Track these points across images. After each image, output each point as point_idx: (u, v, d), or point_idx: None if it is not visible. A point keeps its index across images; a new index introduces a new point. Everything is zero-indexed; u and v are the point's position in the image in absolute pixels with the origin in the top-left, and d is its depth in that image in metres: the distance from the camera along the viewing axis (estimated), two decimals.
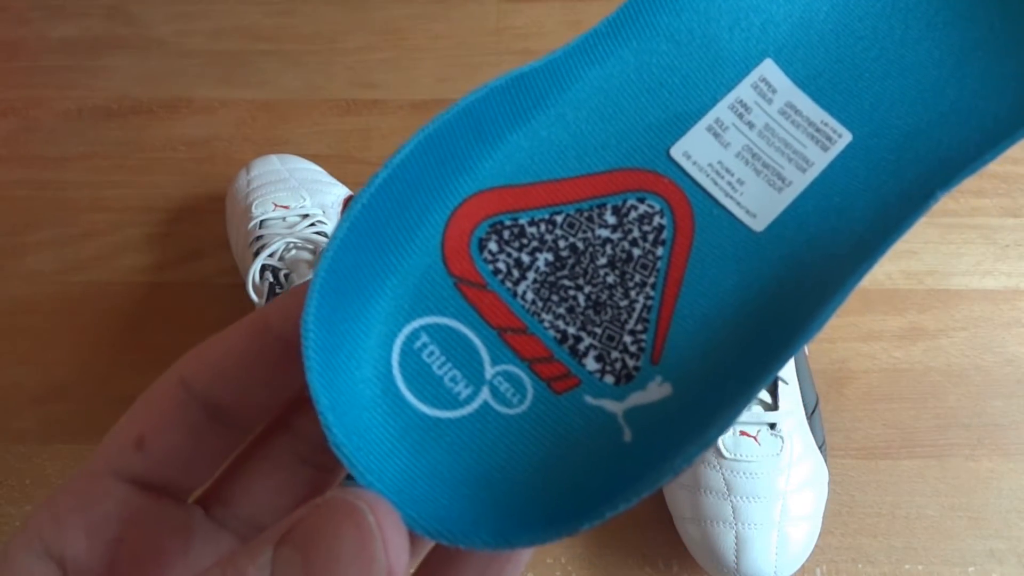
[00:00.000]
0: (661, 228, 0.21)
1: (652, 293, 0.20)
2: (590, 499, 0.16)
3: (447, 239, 0.19)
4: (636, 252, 0.20)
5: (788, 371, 0.45)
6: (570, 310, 0.20)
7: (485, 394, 0.19)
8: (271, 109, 0.59)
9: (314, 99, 0.62)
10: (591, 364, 0.19)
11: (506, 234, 0.20)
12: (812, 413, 0.46)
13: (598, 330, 0.20)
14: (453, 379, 0.19)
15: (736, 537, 0.40)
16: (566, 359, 0.19)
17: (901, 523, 0.45)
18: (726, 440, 0.42)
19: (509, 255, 0.20)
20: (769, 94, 0.22)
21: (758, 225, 0.21)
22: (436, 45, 0.63)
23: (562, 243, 0.20)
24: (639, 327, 0.20)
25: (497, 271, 0.20)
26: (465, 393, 0.19)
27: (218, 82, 0.59)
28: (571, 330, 0.19)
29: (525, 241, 0.20)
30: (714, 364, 0.19)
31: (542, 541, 0.15)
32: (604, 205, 0.21)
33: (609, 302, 0.20)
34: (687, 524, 0.42)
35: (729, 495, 0.41)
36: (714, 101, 0.22)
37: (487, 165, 0.20)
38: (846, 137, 0.21)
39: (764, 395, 0.44)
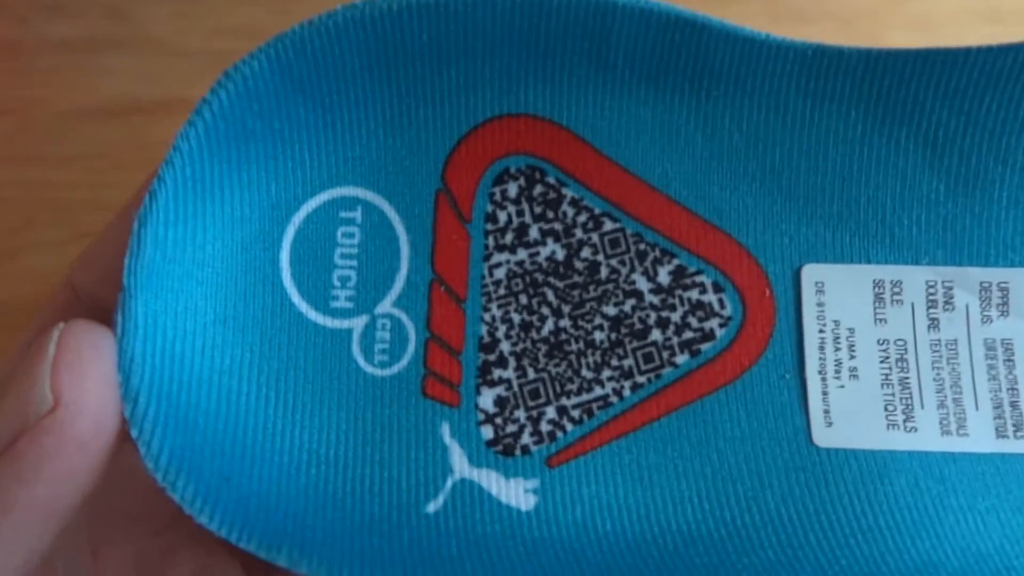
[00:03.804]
0: (709, 337, 0.15)
1: (627, 395, 0.15)
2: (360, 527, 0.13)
3: (472, 140, 0.16)
4: (655, 337, 0.16)
5: None
6: (525, 326, 0.16)
7: (359, 323, 0.15)
8: None
9: None
10: (486, 402, 0.15)
11: (538, 189, 0.16)
12: None
13: (532, 373, 0.15)
14: (345, 280, 0.15)
15: None
16: (469, 371, 0.15)
17: None
18: None
19: (521, 214, 0.16)
20: (992, 310, 0.15)
21: (821, 438, 0.15)
22: None
23: (587, 252, 0.16)
24: (576, 414, 0.15)
25: (493, 218, 0.16)
26: (344, 300, 0.15)
27: None
28: (505, 347, 0.15)
29: (551, 215, 0.16)
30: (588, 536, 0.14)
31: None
32: (671, 256, 0.16)
33: (574, 360, 0.15)
34: None
35: None
36: (915, 260, 0.15)
37: (587, 96, 0.16)
38: None
39: None
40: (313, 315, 0.15)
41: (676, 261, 0.16)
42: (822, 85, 0.15)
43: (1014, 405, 0.15)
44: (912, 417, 0.15)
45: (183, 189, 0.14)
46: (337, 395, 0.15)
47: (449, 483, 0.14)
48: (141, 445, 0.12)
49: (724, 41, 0.15)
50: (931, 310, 0.15)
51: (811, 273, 0.16)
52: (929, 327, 0.15)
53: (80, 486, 0.12)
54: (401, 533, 0.14)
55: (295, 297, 0.15)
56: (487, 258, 0.16)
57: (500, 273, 0.16)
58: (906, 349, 0.15)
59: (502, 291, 0.16)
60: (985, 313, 0.15)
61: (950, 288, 0.15)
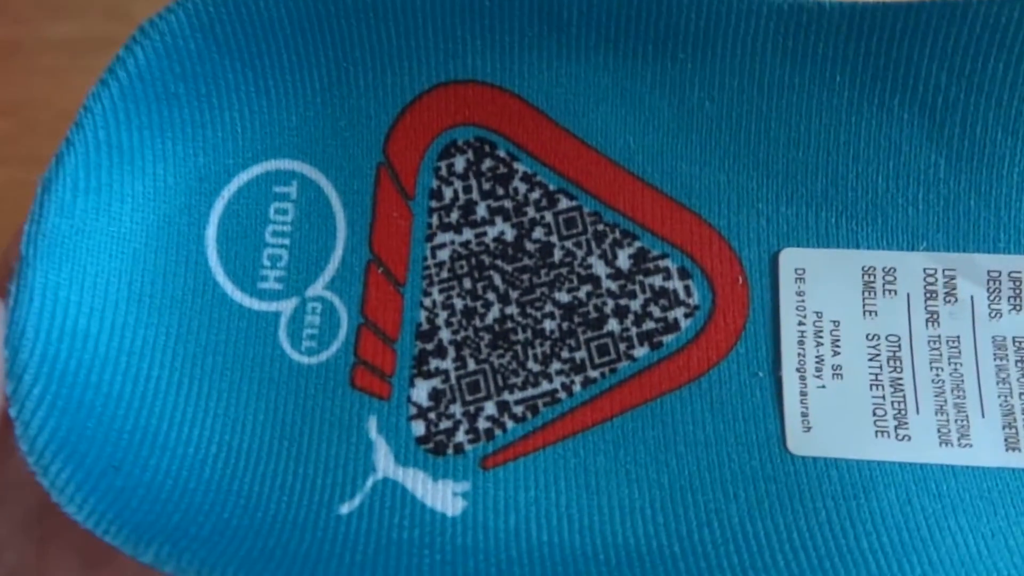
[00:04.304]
0: (672, 329, 0.14)
1: (577, 391, 0.14)
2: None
3: (415, 110, 0.14)
4: (612, 327, 0.14)
5: None
6: (467, 313, 0.14)
7: (288, 306, 0.14)
8: None
9: None
10: (420, 395, 0.14)
11: (487, 163, 0.14)
12: None
13: (472, 364, 0.14)
14: (275, 260, 0.14)
15: None
16: (403, 361, 0.14)
17: None
18: None
19: (468, 190, 0.14)
20: (1002, 303, 0.13)
21: (797, 445, 0.13)
22: None
23: (539, 232, 0.14)
24: (519, 410, 0.14)
25: (438, 195, 0.14)
26: (274, 281, 0.14)
27: None
28: (444, 335, 0.14)
29: (500, 192, 0.14)
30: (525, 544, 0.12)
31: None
32: (633, 238, 0.14)
33: (520, 351, 0.14)
34: None
35: None
36: (911, 245, 0.13)
37: (540, 62, 0.14)
38: None
39: None
40: (239, 296, 0.14)
41: (638, 243, 0.14)
42: (802, 46, 0.13)
43: None
44: (905, 424, 0.13)
45: (96, 155, 0.13)
46: (258, 383, 0.14)
47: (370, 482, 0.13)
48: (18, 425, 0.11)
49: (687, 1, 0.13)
50: (930, 302, 0.13)
51: (790, 258, 0.14)
52: (927, 321, 0.13)
53: None
54: (303, 536, 0.12)
55: (220, 276, 0.14)
56: (430, 238, 0.14)
57: (443, 254, 0.14)
58: (900, 346, 0.13)
59: (445, 274, 0.14)
60: (994, 306, 0.13)
61: (952, 277, 0.13)
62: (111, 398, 0.13)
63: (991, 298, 0.13)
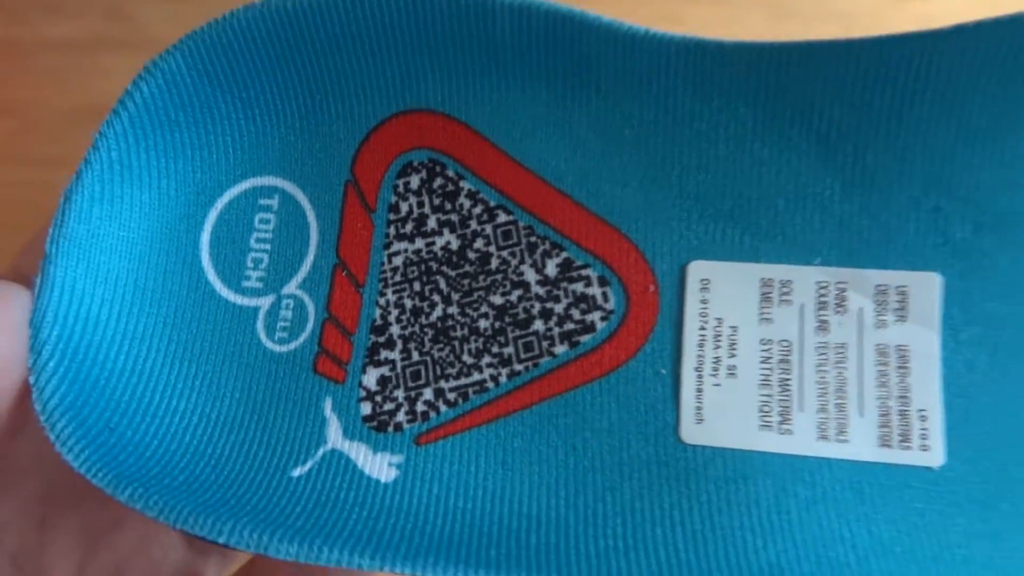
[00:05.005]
0: (589, 330, 0.15)
1: (503, 382, 0.15)
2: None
3: (379, 135, 0.16)
4: (537, 327, 0.16)
5: None
6: (415, 311, 0.16)
7: (266, 302, 0.16)
8: None
9: None
10: (370, 380, 0.16)
11: (438, 182, 0.16)
12: None
13: (416, 355, 0.16)
14: (257, 262, 0.16)
15: None
16: (358, 351, 0.16)
17: None
18: None
19: (421, 205, 0.16)
20: (888, 314, 0.14)
21: (689, 435, 0.15)
22: None
23: (480, 243, 0.16)
24: (452, 396, 0.15)
25: (395, 208, 0.16)
26: (256, 281, 0.16)
27: None
28: (395, 330, 0.16)
29: (448, 206, 0.16)
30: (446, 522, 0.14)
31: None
32: (560, 249, 0.16)
33: (457, 345, 0.16)
34: None
35: None
36: (807, 260, 0.15)
37: (483, 93, 0.16)
38: (933, 456, 0.14)
39: None
40: (225, 292, 0.16)
41: (564, 254, 0.16)
42: (708, 81, 0.15)
43: (903, 414, 0.14)
44: (789, 420, 0.14)
45: (109, 171, 0.15)
46: (236, 367, 0.16)
47: (320, 452, 0.15)
48: (35, 390, 0.14)
49: (606, 37, 0.15)
50: (821, 312, 0.15)
51: (697, 270, 0.15)
52: (817, 329, 0.15)
53: None
54: (257, 491, 0.14)
55: (211, 275, 0.16)
56: (387, 246, 0.16)
57: (398, 260, 0.16)
58: (790, 350, 0.15)
59: (398, 277, 0.16)
60: (880, 317, 0.15)
61: (843, 290, 0.15)
62: (112, 373, 0.15)
63: (878, 310, 0.15)
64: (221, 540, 0.13)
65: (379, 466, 0.15)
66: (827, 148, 0.15)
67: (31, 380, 0.14)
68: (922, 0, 0.52)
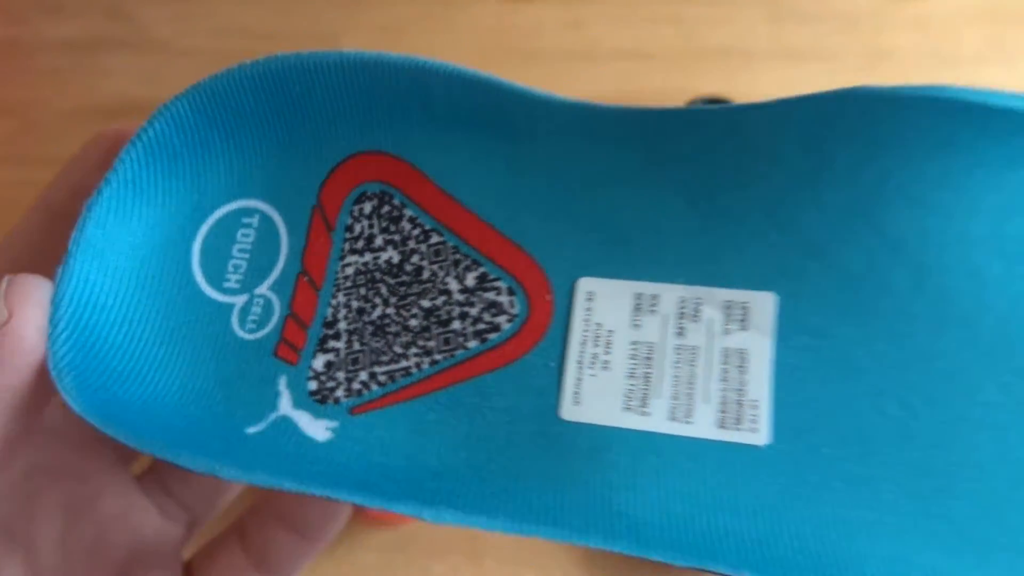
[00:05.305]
0: (496, 329, 0.19)
1: (425, 368, 0.19)
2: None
3: (340, 170, 0.20)
4: (456, 326, 0.19)
5: None
6: (360, 311, 0.20)
7: (241, 300, 0.20)
8: None
9: None
10: (318, 364, 0.19)
11: (386, 208, 0.20)
12: None
13: (357, 346, 0.19)
14: (237, 267, 0.20)
15: None
16: (311, 341, 0.19)
17: None
18: None
19: (372, 226, 0.20)
20: (733, 324, 0.18)
21: (567, 412, 0.18)
22: (436, 45, 0.65)
23: (416, 258, 0.20)
24: (382, 379, 0.19)
25: (350, 229, 0.20)
26: (235, 283, 0.20)
27: None
28: (342, 325, 0.19)
29: (392, 229, 0.20)
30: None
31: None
32: (479, 265, 0.19)
33: (391, 339, 0.19)
34: None
35: None
36: (673, 280, 0.19)
37: (423, 139, 0.20)
38: (760, 436, 0.17)
39: None
40: (208, 291, 0.20)
41: (482, 269, 0.20)
42: (597, 134, 0.19)
43: (739, 403, 0.18)
44: (647, 404, 0.18)
45: (123, 190, 0.19)
46: (212, 350, 0.20)
47: (272, 416, 0.19)
48: (50, 354, 0.17)
49: (518, 99, 0.19)
50: (680, 320, 0.18)
51: (584, 284, 0.19)
52: (676, 334, 0.18)
53: (18, 388, 0.17)
54: (217, 440, 0.18)
55: (198, 276, 0.20)
56: (342, 258, 0.20)
57: (349, 270, 0.20)
58: (653, 350, 0.18)
59: (348, 284, 0.20)
60: (727, 326, 0.18)
61: (699, 304, 0.18)
62: (111, 347, 0.19)
63: (725, 320, 0.18)
64: (179, 462, 0.16)
65: (317, 429, 0.19)
66: (690, 192, 0.19)
67: (48, 346, 0.17)
68: (922, 0, 0.54)
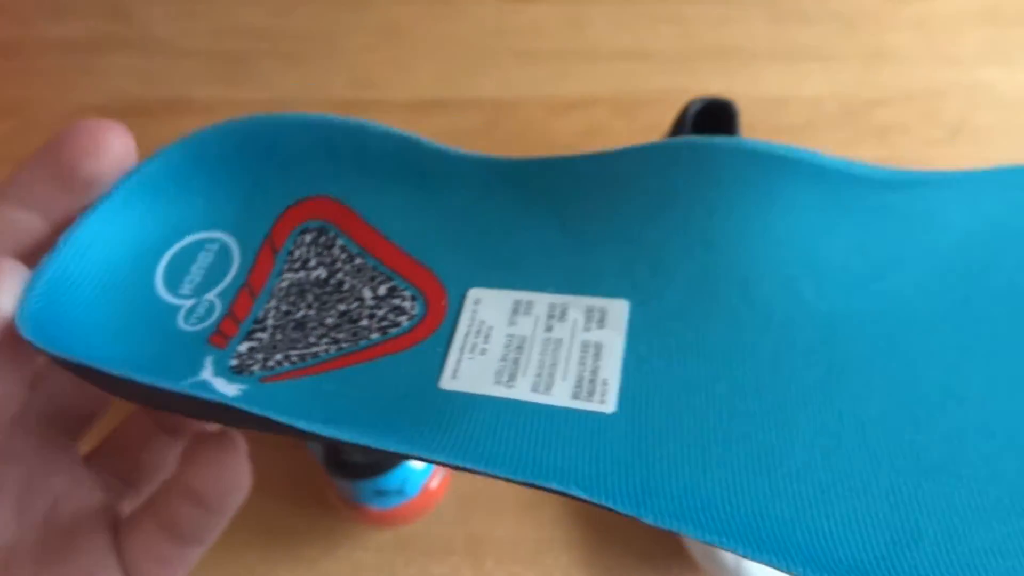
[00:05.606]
0: (396, 326, 0.22)
1: (331, 352, 0.22)
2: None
3: (292, 209, 0.25)
4: (364, 323, 0.23)
5: None
6: (287, 312, 0.23)
7: (189, 303, 0.23)
8: (271, 109, 0.60)
9: (314, 99, 0.62)
10: (242, 348, 0.23)
11: (323, 239, 0.25)
12: None
13: (279, 336, 0.23)
14: (192, 280, 0.24)
15: None
16: (241, 332, 0.23)
17: None
18: None
19: (308, 250, 0.24)
20: (592, 324, 0.21)
21: (445, 383, 0.21)
22: (436, 45, 0.66)
23: (340, 275, 0.24)
24: (296, 358, 0.22)
25: (291, 252, 0.24)
26: (187, 291, 0.24)
27: (218, 82, 0.59)
28: (270, 322, 0.23)
29: (324, 253, 0.24)
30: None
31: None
32: (390, 279, 0.23)
33: (308, 332, 0.23)
34: None
35: None
36: (543, 289, 0.22)
37: (357, 184, 0.24)
38: (608, 406, 0.20)
39: None
40: (165, 295, 0.24)
41: (392, 282, 0.24)
42: (495, 182, 0.24)
43: (592, 381, 0.20)
44: (514, 380, 0.21)
45: (112, 211, 0.24)
46: (159, 336, 0.23)
47: (191, 380, 0.22)
48: (20, 307, 0.20)
49: (435, 155, 0.24)
50: (550, 320, 0.22)
51: (474, 293, 0.23)
52: (545, 329, 0.22)
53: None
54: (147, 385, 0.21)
55: (158, 283, 0.24)
56: (280, 275, 0.24)
57: (284, 284, 0.24)
58: (524, 341, 0.22)
59: (282, 293, 0.24)
60: (587, 325, 0.22)
61: (565, 308, 0.22)
62: (79, 321, 0.22)
63: (586, 320, 0.22)
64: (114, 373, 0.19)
65: (229, 388, 0.21)
66: (564, 222, 0.23)
67: (24, 294, 0.20)
68: (922, 0, 0.55)
